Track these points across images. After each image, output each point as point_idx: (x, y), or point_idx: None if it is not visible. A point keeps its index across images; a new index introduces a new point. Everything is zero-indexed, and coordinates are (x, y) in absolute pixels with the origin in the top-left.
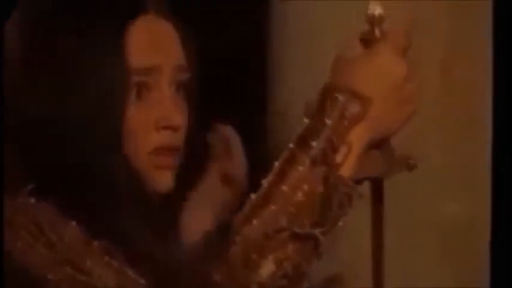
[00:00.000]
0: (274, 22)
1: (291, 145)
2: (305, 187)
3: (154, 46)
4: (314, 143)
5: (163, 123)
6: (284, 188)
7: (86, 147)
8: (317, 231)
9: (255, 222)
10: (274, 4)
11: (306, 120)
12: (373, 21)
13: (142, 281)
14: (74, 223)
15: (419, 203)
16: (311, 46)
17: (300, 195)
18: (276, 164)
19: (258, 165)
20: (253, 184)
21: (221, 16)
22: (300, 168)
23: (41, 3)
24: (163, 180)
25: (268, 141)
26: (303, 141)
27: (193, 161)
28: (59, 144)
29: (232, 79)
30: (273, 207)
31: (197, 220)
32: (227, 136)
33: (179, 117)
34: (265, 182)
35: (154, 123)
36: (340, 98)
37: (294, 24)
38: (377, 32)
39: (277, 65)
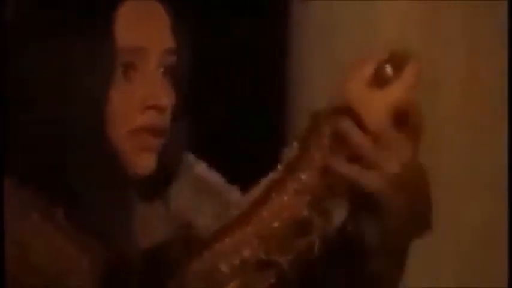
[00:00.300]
0: (294, 23)
1: (280, 169)
2: (285, 215)
3: (143, 27)
4: (303, 176)
5: (150, 102)
6: (264, 213)
7: (66, 125)
8: (283, 260)
9: (227, 240)
10: (294, 5)
11: (295, 144)
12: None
13: (85, 261)
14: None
15: (437, 205)
16: (330, 46)
17: (276, 223)
18: (263, 184)
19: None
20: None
21: (238, 16)
22: (285, 197)
23: None
24: (145, 162)
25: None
26: (292, 169)
27: (174, 146)
28: (40, 121)
29: (250, 79)
30: (248, 229)
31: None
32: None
33: (166, 98)
34: (246, 201)
35: (139, 103)
36: (327, 130)
37: (314, 24)
38: (390, 70)
39: (296, 66)
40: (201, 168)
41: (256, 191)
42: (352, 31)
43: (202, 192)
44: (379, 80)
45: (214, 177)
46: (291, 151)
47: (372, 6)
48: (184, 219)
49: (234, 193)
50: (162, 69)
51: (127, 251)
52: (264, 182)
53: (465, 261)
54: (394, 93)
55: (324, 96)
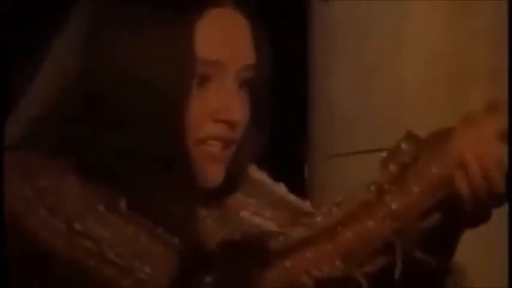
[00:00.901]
0: (316, 22)
1: (372, 190)
2: (369, 238)
3: (224, 40)
4: (394, 205)
5: (222, 115)
6: (348, 234)
7: (145, 132)
8: (362, 273)
9: (308, 254)
10: (315, 5)
11: (392, 168)
12: None
13: (157, 247)
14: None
15: None
16: (355, 46)
17: (358, 242)
18: (351, 202)
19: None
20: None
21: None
22: (371, 223)
23: None
24: (213, 173)
25: (311, 141)
26: (384, 194)
27: (242, 157)
28: (118, 126)
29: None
30: (330, 247)
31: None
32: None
33: (239, 112)
34: (331, 217)
35: (211, 114)
36: (433, 169)
37: (337, 24)
38: None
39: (319, 66)
40: (257, 173)
41: (344, 208)
42: (376, 31)
43: (258, 195)
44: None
45: (265, 177)
46: (385, 173)
47: (395, 6)
48: (250, 226)
49: (289, 194)
50: (238, 83)
51: (197, 242)
52: (353, 200)
53: (465, 261)
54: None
55: (346, 98)
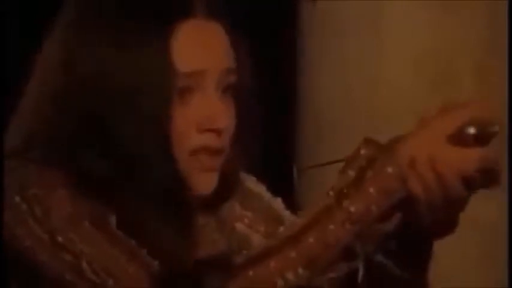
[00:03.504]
0: (304, 23)
1: (331, 195)
2: (331, 242)
3: (201, 50)
4: (352, 208)
5: (207, 125)
6: (311, 240)
7: (130, 145)
8: (324, 280)
9: (272, 263)
10: (304, 5)
11: (351, 173)
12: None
13: (132, 269)
14: (62, 192)
15: None
16: (340, 47)
17: (321, 249)
18: (313, 209)
19: (283, 166)
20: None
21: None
22: (332, 226)
23: (88, 4)
24: (205, 182)
25: (297, 144)
26: (342, 199)
27: (234, 164)
28: (104, 140)
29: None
30: (293, 254)
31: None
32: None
33: (224, 119)
34: (294, 226)
35: (196, 125)
36: (390, 170)
37: (324, 24)
38: (473, 133)
39: (307, 68)
40: (256, 186)
41: (306, 216)
42: (360, 31)
43: (254, 208)
44: (458, 138)
45: (263, 191)
46: (344, 178)
47: (379, 6)
48: (238, 235)
49: (285, 210)
50: (220, 89)
51: (176, 262)
52: (314, 207)
53: (465, 261)
54: (473, 156)
55: (332, 99)
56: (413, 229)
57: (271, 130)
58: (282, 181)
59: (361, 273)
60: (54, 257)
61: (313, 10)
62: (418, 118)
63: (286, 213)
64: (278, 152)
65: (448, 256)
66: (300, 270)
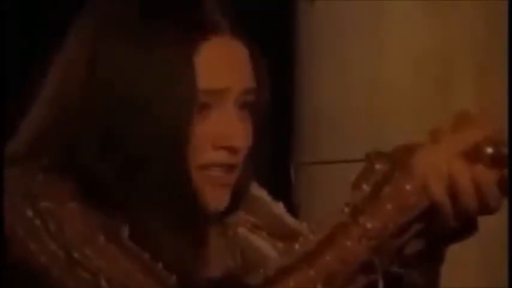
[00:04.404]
0: (302, 24)
1: (346, 212)
2: (348, 259)
3: (224, 69)
4: (369, 225)
5: (223, 143)
6: (328, 258)
7: (147, 159)
8: None
9: (291, 283)
10: (302, 6)
11: (365, 188)
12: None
13: (149, 281)
14: (73, 205)
15: None
16: (340, 47)
17: (339, 266)
18: (328, 225)
19: (283, 167)
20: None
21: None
22: (349, 243)
23: (112, 15)
24: (218, 198)
25: (296, 145)
26: (358, 215)
27: (245, 176)
28: (119, 150)
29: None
30: (311, 272)
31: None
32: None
33: (241, 138)
34: (309, 243)
35: (212, 141)
36: (407, 186)
37: (324, 24)
38: (489, 153)
39: (305, 68)
40: (258, 190)
41: (320, 232)
42: (360, 31)
43: (257, 213)
44: (475, 157)
45: (265, 195)
46: (358, 193)
47: (379, 6)
48: (246, 242)
49: (287, 214)
50: (238, 106)
51: (191, 276)
52: (330, 223)
53: (465, 261)
54: (488, 175)
55: (332, 99)
56: (430, 237)
57: (271, 130)
58: (281, 181)
59: (381, 286)
60: (70, 273)
61: (313, 10)
62: (429, 130)
63: (288, 218)
64: (277, 151)
65: (448, 259)
66: (319, 287)
